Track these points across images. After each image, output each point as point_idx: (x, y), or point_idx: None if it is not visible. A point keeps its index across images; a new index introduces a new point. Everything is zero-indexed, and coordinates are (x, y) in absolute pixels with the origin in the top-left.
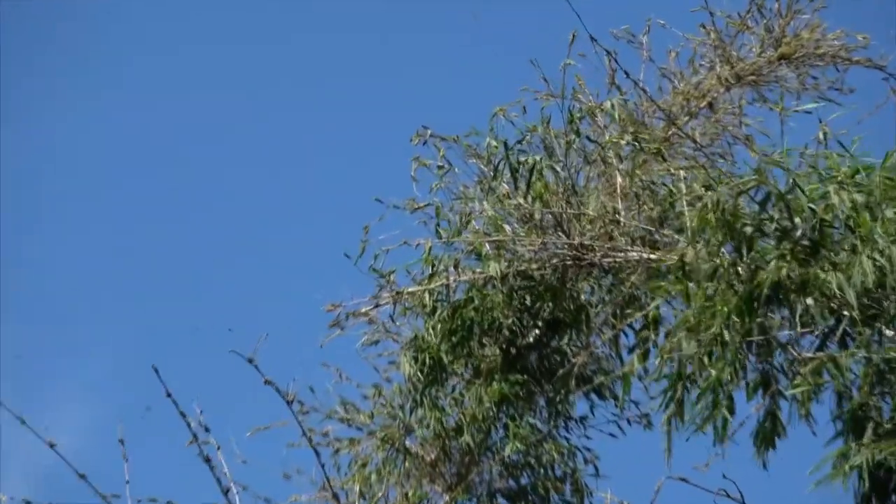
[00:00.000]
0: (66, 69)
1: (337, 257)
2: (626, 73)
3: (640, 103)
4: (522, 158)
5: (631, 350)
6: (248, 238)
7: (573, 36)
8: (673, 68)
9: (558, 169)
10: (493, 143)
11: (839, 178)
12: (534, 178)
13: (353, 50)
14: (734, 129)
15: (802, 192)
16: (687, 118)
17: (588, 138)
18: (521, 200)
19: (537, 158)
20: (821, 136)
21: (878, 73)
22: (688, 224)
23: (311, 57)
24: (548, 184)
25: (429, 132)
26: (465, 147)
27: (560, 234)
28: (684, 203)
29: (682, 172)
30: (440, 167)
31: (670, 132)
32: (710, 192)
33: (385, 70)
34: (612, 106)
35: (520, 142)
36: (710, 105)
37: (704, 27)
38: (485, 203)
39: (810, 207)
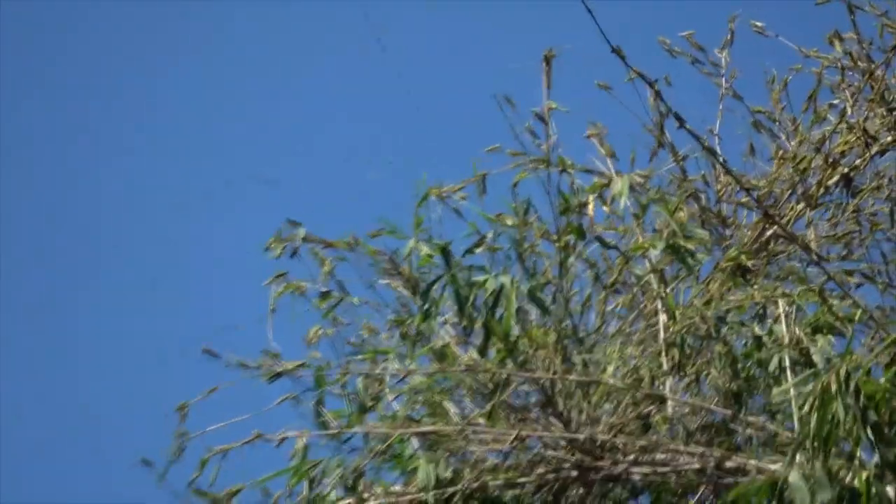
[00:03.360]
0: None
1: (128, 457)
2: (678, 118)
3: (711, 177)
4: (479, 278)
5: None
6: None
7: (547, 59)
8: (777, 113)
9: (546, 299)
10: (425, 249)
11: None
12: (501, 316)
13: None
14: (887, 227)
15: None
16: (801, 206)
17: (602, 241)
18: (476, 356)
19: (508, 279)
20: None
21: None
22: (794, 408)
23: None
24: (529, 326)
25: (301, 233)
26: (371, 257)
27: (553, 421)
28: (787, 366)
29: (782, 305)
30: (324, 295)
31: (766, 232)
32: (830, 349)
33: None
34: (644, 185)
35: (474, 248)
36: (847, 181)
37: (837, 37)
38: (409, 362)
39: None
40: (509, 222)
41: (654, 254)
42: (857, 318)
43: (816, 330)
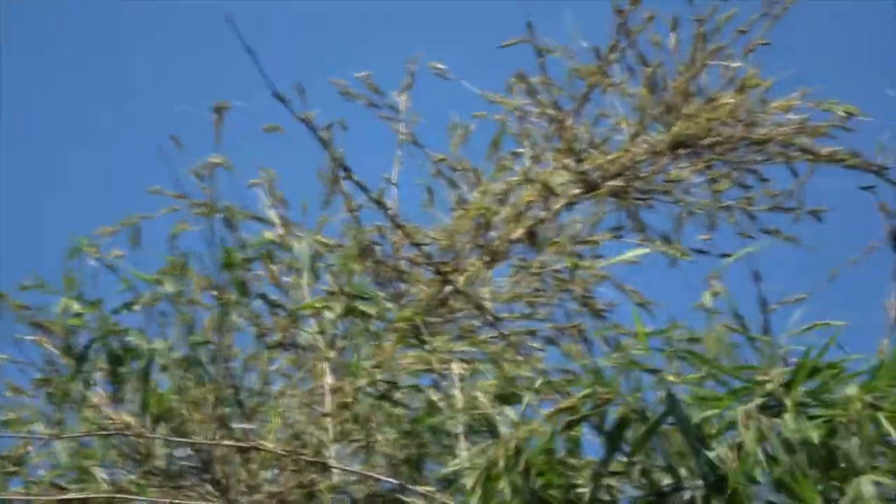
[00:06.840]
0: None
1: None
2: (345, 169)
3: (387, 228)
4: (131, 340)
5: None
6: None
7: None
8: (458, 162)
9: (205, 358)
10: (76, 307)
11: (769, 388)
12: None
13: None
14: (576, 283)
15: (687, 421)
16: (482, 261)
17: (266, 299)
18: (128, 418)
19: (162, 345)
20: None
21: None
22: (468, 486)
23: None
24: (186, 387)
25: None
26: (16, 312)
27: (209, 489)
28: (460, 433)
29: (456, 368)
30: None
31: (445, 288)
32: (509, 418)
33: None
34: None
35: (128, 306)
36: (531, 235)
37: (521, 80)
38: (41, 426)
39: (701, 450)
40: (168, 286)
41: (328, 315)
42: (536, 384)
43: (503, 399)
